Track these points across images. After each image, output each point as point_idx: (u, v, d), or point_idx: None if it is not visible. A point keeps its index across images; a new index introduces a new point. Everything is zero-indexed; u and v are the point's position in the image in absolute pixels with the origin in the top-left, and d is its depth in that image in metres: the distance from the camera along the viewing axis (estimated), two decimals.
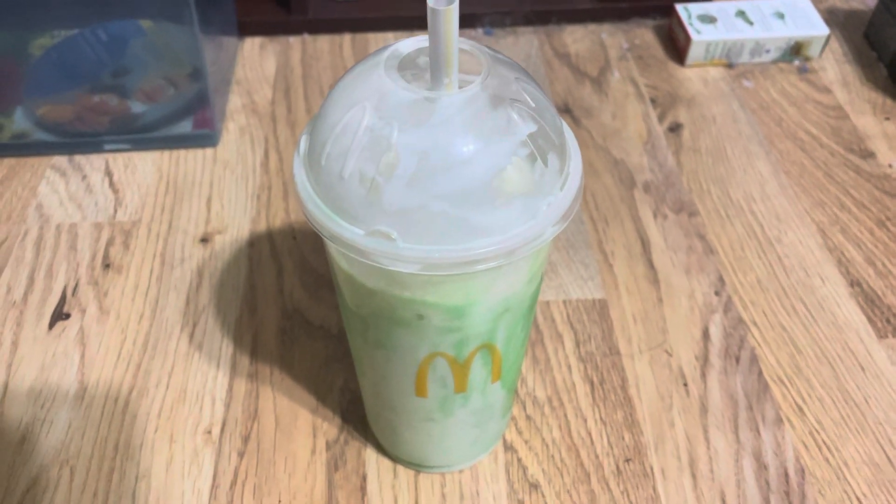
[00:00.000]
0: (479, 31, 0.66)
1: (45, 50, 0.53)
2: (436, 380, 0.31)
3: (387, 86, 0.25)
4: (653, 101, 0.60)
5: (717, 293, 0.46)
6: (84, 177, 0.53)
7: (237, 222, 0.50)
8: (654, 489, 0.37)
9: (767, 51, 0.63)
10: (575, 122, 0.58)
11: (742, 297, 0.46)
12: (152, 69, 0.54)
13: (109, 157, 0.55)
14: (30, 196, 0.52)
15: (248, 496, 0.37)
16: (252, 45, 0.65)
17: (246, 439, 0.39)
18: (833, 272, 0.47)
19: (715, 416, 0.40)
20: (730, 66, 0.63)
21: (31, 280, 0.46)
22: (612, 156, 0.55)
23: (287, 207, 0.51)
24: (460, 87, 0.25)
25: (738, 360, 0.43)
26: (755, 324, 0.45)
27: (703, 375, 0.42)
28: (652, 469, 0.38)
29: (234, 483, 0.38)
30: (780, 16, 0.64)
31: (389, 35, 0.66)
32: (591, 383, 0.42)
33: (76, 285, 0.46)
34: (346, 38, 0.66)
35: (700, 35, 0.61)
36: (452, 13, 0.23)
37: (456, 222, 0.24)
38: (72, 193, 0.52)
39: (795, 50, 0.63)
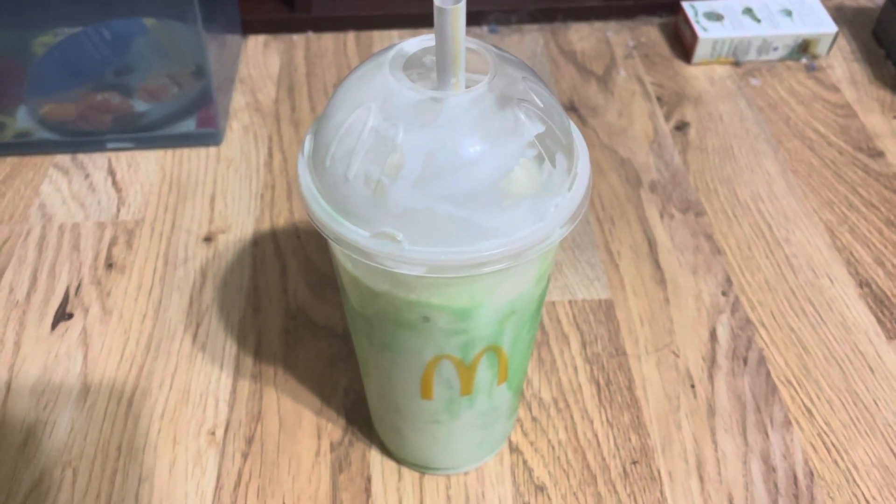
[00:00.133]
0: (485, 28, 0.66)
1: (48, 48, 0.52)
2: (441, 382, 0.30)
3: (392, 86, 0.24)
4: (659, 99, 0.59)
5: (724, 293, 0.46)
6: (87, 176, 0.53)
7: (241, 221, 0.50)
8: (662, 492, 0.37)
9: (775, 48, 0.62)
10: (581, 121, 0.57)
11: (750, 297, 0.45)
12: (156, 67, 0.54)
13: (112, 155, 0.54)
14: (32, 195, 0.51)
15: (252, 498, 0.37)
16: (256, 43, 0.65)
17: (250, 441, 0.39)
18: (842, 272, 0.47)
19: (723, 418, 0.40)
20: (737, 64, 0.63)
21: (33, 280, 0.46)
22: (619, 155, 0.55)
23: (291, 207, 0.51)
24: (467, 87, 0.25)
25: (745, 361, 0.42)
26: (763, 325, 0.44)
27: (711, 377, 0.42)
28: (659, 472, 0.38)
29: (237, 485, 0.37)
30: (788, 13, 0.63)
31: (394, 33, 0.66)
32: (598, 384, 0.41)
33: (79, 285, 0.46)
34: (351, 36, 0.65)
35: (707, 33, 0.61)
36: (459, 12, 0.22)
37: (462, 224, 0.24)
38: (75, 192, 0.52)
39: (803, 48, 0.62)
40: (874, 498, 0.37)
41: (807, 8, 0.64)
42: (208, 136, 0.55)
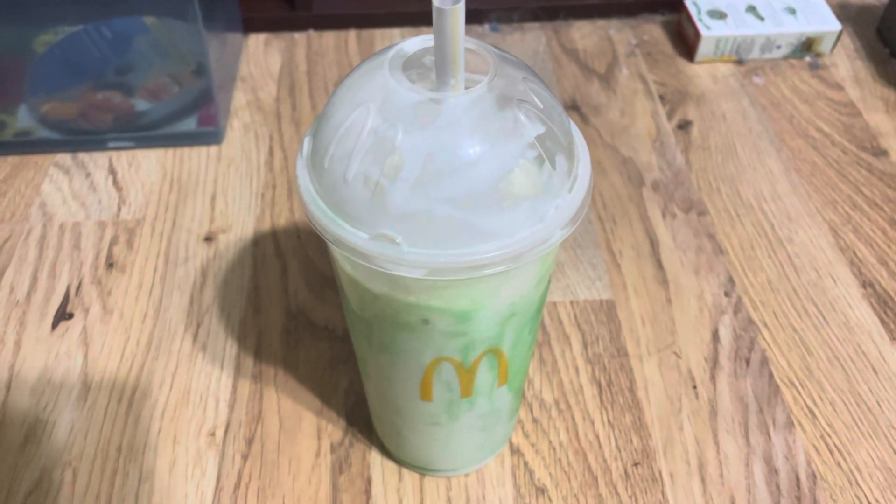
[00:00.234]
0: (486, 27, 0.66)
1: (49, 47, 0.52)
2: (441, 384, 0.30)
3: (391, 86, 0.24)
4: (661, 98, 0.59)
5: (726, 294, 0.45)
6: (88, 175, 0.53)
7: (241, 221, 0.50)
8: (663, 494, 0.37)
9: (778, 47, 0.62)
10: (583, 120, 0.57)
11: (752, 297, 0.45)
12: (156, 66, 0.54)
13: (113, 154, 0.54)
14: (33, 194, 0.51)
15: (252, 499, 0.37)
16: (257, 41, 0.64)
17: (250, 441, 0.39)
18: (845, 272, 0.47)
19: (725, 419, 0.40)
20: (740, 62, 0.62)
21: (34, 279, 0.46)
22: (621, 154, 0.54)
23: (292, 206, 0.50)
24: (467, 88, 0.25)
25: (748, 362, 0.42)
26: (766, 325, 0.44)
27: (713, 378, 0.41)
28: (660, 473, 0.38)
29: (237, 486, 0.37)
30: (792, 11, 0.63)
31: (395, 31, 0.66)
32: (599, 385, 0.41)
33: (79, 285, 0.46)
34: (352, 34, 0.65)
35: (710, 31, 0.61)
36: (458, 13, 0.22)
37: (462, 226, 0.24)
38: (75, 192, 0.51)
39: (807, 46, 0.62)
40: (877, 500, 0.37)
41: (810, 6, 0.63)
42: (209, 134, 0.55)
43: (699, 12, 0.62)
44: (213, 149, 0.55)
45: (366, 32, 0.65)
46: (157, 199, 0.51)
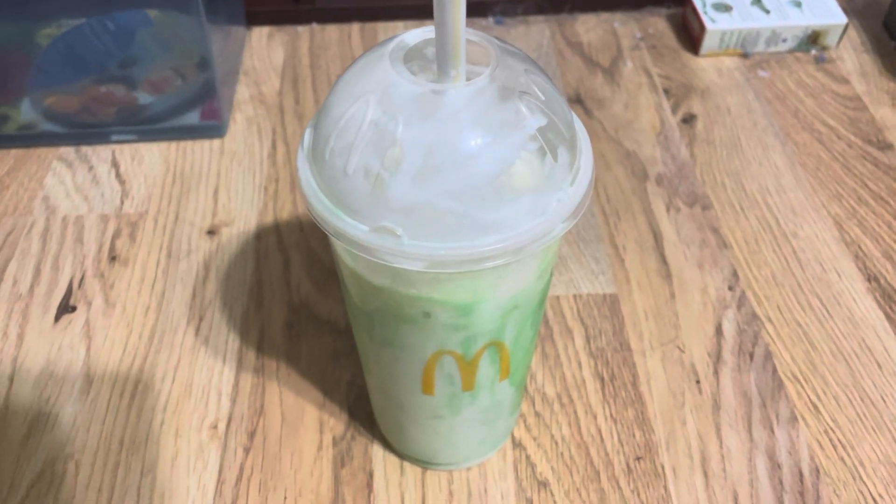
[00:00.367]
0: (490, 20, 0.66)
1: (52, 40, 0.52)
2: (443, 378, 0.30)
3: (392, 78, 0.24)
4: (666, 91, 0.59)
5: (730, 288, 0.45)
6: (91, 168, 0.53)
7: (244, 214, 0.50)
8: (665, 488, 0.37)
9: (784, 40, 0.61)
10: (586, 114, 0.57)
11: (756, 292, 0.45)
12: (159, 59, 0.54)
13: (116, 148, 0.54)
14: (36, 187, 0.51)
15: (254, 492, 0.37)
16: (260, 34, 0.64)
17: (252, 435, 0.39)
18: (850, 267, 0.46)
19: (728, 413, 0.39)
20: (745, 55, 0.62)
21: (37, 272, 0.46)
22: (625, 147, 0.54)
23: (294, 199, 0.50)
24: (468, 80, 0.24)
25: (751, 356, 0.42)
26: (769, 320, 0.44)
27: (716, 372, 0.41)
28: (663, 468, 0.38)
29: (239, 478, 0.37)
30: (797, 4, 0.62)
31: (399, 24, 0.65)
32: (602, 380, 0.41)
33: (82, 278, 0.46)
34: (355, 28, 0.65)
35: (715, 24, 0.60)
36: (459, 4, 0.22)
37: (463, 219, 0.23)
38: (78, 185, 0.52)
39: (812, 39, 0.62)
40: (880, 495, 0.37)
41: None
42: (212, 128, 0.55)
43: (704, 5, 0.62)
44: (216, 142, 0.55)
45: (369, 26, 0.65)
46: (159, 192, 0.51)
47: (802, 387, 0.41)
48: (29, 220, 0.49)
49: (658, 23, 0.65)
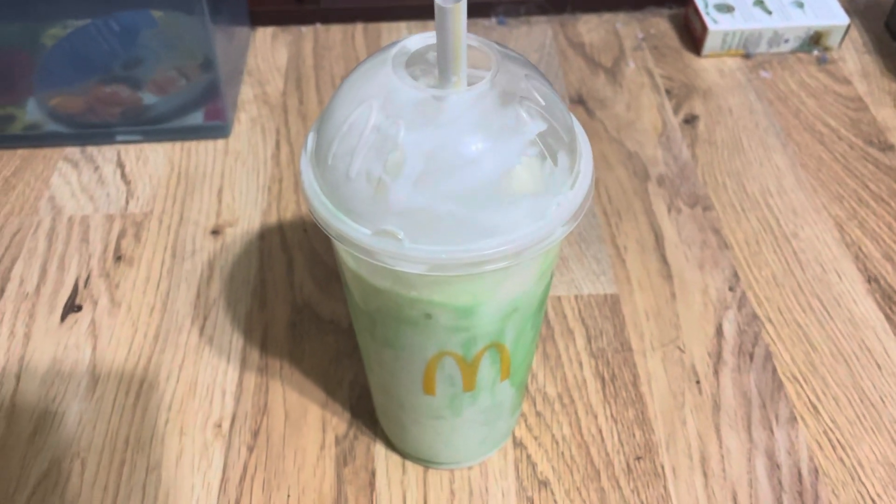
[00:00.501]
0: (493, 20, 0.66)
1: (58, 41, 0.53)
2: (444, 378, 0.30)
3: (394, 84, 0.24)
4: (668, 92, 0.59)
5: (731, 289, 0.45)
6: (96, 168, 0.53)
7: (248, 214, 0.50)
8: (665, 488, 0.37)
9: (786, 41, 0.62)
10: (588, 114, 0.57)
11: (757, 292, 0.45)
12: (164, 60, 0.54)
13: (121, 148, 0.55)
14: (42, 187, 0.52)
15: (258, 490, 0.37)
16: (264, 35, 0.65)
17: (255, 433, 0.39)
18: (850, 268, 0.47)
19: (728, 414, 0.40)
20: (747, 56, 0.62)
21: (43, 272, 0.47)
22: (626, 148, 0.54)
23: (298, 200, 0.51)
24: (470, 83, 0.25)
25: (751, 357, 0.42)
26: (770, 320, 0.44)
27: (716, 373, 0.41)
28: (663, 467, 0.38)
29: (243, 477, 0.38)
30: (800, 5, 0.62)
31: (402, 25, 0.66)
32: (603, 380, 0.41)
33: (88, 277, 0.46)
34: (359, 28, 0.65)
35: (717, 24, 0.61)
36: (460, 11, 0.22)
37: (463, 222, 0.24)
38: (84, 185, 0.52)
39: (814, 40, 0.62)
40: (879, 495, 0.37)
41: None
42: (216, 128, 0.55)
43: (706, 6, 0.62)
44: (220, 142, 0.55)
45: (372, 26, 0.65)
46: (164, 192, 0.51)
47: (802, 387, 0.41)
48: (35, 219, 0.50)
49: (660, 23, 0.65)
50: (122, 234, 0.49)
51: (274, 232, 0.49)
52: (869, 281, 0.46)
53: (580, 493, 0.37)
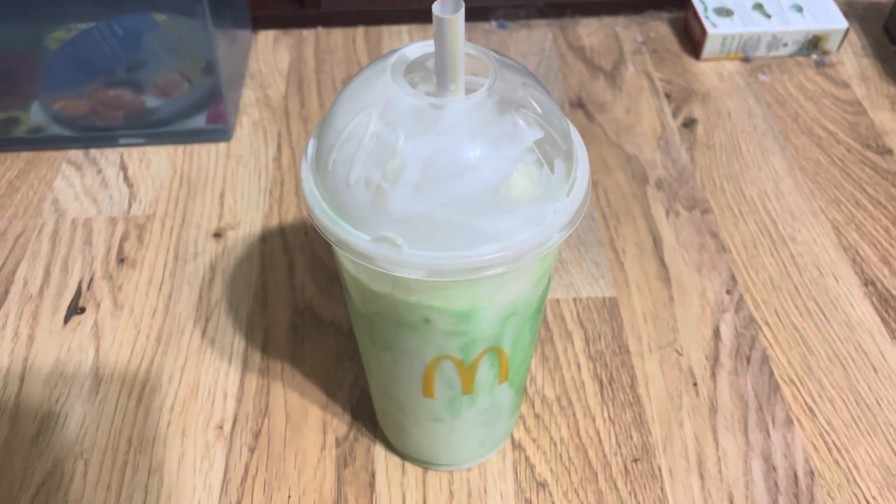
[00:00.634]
0: (493, 24, 0.66)
1: (61, 44, 0.53)
2: (443, 381, 0.31)
3: (393, 92, 0.25)
4: (667, 95, 0.59)
5: (728, 292, 0.46)
6: (99, 171, 0.54)
7: (250, 217, 0.50)
8: (662, 490, 0.37)
9: (785, 44, 0.62)
10: (588, 117, 0.57)
11: (754, 296, 0.46)
12: (166, 63, 0.55)
13: (124, 151, 0.55)
14: (46, 190, 0.52)
15: (259, 491, 0.38)
16: (266, 38, 0.65)
17: (257, 435, 0.40)
18: (847, 271, 0.47)
19: (724, 416, 0.40)
20: (746, 59, 0.62)
21: (46, 274, 0.47)
22: (625, 151, 0.55)
23: (299, 203, 0.51)
24: (468, 91, 0.25)
25: (748, 360, 0.43)
26: (767, 323, 0.44)
27: (714, 375, 0.42)
28: (660, 469, 0.38)
29: (244, 478, 0.38)
30: (798, 9, 0.63)
31: (403, 28, 0.66)
32: (601, 382, 0.42)
33: (91, 279, 0.47)
34: (360, 32, 0.66)
35: (716, 28, 0.61)
36: (458, 21, 0.23)
37: (461, 228, 0.24)
38: (87, 188, 0.52)
39: (813, 43, 0.62)
40: (874, 498, 0.37)
41: (817, 3, 0.63)
42: (218, 131, 0.56)
43: (705, 10, 0.63)
44: (223, 145, 0.55)
45: (373, 30, 0.66)
46: (167, 195, 0.52)
47: (798, 390, 0.41)
48: (39, 222, 0.50)
49: (660, 27, 0.66)
50: (124, 237, 0.49)
51: (275, 235, 0.49)
52: (866, 284, 0.46)
53: (578, 495, 0.37)
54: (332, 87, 0.60)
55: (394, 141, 0.24)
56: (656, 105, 0.58)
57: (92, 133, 0.55)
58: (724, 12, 0.62)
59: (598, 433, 0.40)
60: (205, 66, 0.54)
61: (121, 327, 0.44)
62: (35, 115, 0.55)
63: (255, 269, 0.47)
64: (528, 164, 0.25)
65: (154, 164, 0.54)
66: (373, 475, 0.38)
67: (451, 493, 0.37)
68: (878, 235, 0.49)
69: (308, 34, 0.65)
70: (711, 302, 0.45)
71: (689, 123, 0.57)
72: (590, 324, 0.44)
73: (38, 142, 0.55)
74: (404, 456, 0.39)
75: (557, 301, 0.45)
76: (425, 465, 0.38)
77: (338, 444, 0.39)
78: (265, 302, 0.45)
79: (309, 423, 0.40)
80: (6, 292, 0.46)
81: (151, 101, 0.55)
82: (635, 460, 0.39)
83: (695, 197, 0.51)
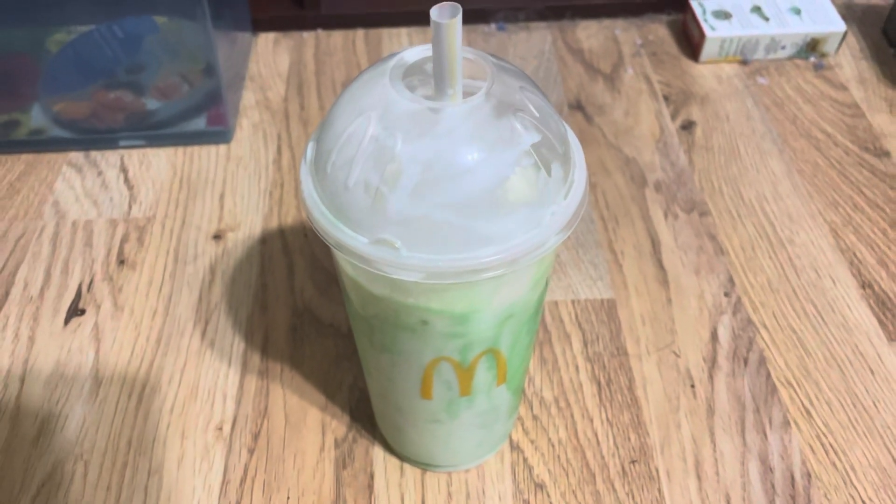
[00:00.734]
0: (492, 26, 0.66)
1: (62, 46, 0.53)
2: (441, 383, 0.31)
3: (391, 96, 0.25)
4: (666, 98, 0.59)
5: (726, 294, 0.46)
6: (100, 173, 0.54)
7: (249, 219, 0.50)
8: (660, 491, 0.38)
9: (783, 47, 0.62)
10: (587, 120, 0.58)
11: (752, 298, 0.46)
12: (166, 66, 0.55)
13: (125, 153, 0.55)
14: (47, 192, 0.52)
15: (258, 492, 0.38)
16: (266, 40, 0.65)
17: (256, 436, 0.40)
18: (845, 273, 0.47)
19: (722, 418, 0.40)
20: (744, 62, 0.63)
21: (47, 276, 0.47)
22: (624, 154, 0.55)
23: (299, 205, 0.51)
24: (466, 94, 0.25)
25: (746, 362, 0.43)
26: (764, 326, 0.44)
27: (711, 377, 0.42)
28: (657, 471, 0.38)
29: (244, 479, 0.38)
30: (797, 11, 0.63)
31: (403, 30, 0.66)
32: (599, 384, 0.42)
33: (91, 281, 0.47)
34: (360, 34, 0.66)
35: (714, 31, 0.61)
36: (455, 26, 0.23)
37: (459, 231, 0.24)
38: (87, 190, 0.53)
39: (811, 46, 0.62)
40: (871, 499, 0.37)
41: (816, 6, 0.63)
42: (218, 133, 0.56)
43: (704, 13, 0.63)
44: (223, 147, 0.56)
45: (373, 32, 0.66)
46: (167, 197, 0.52)
47: (795, 392, 0.41)
48: (39, 224, 0.50)
49: (658, 30, 0.66)
50: (125, 239, 0.49)
51: (275, 236, 0.49)
52: (863, 286, 0.46)
53: (576, 496, 0.37)
54: (331, 89, 0.60)
55: (392, 144, 0.24)
56: (655, 107, 0.59)
57: (92, 135, 0.55)
58: (723, 15, 0.63)
59: (596, 434, 0.40)
60: (205, 68, 0.55)
61: (121, 329, 0.44)
62: (36, 118, 0.55)
63: (255, 271, 0.47)
64: (526, 168, 0.25)
65: (154, 166, 0.54)
66: (371, 476, 0.38)
67: (449, 494, 0.38)
68: (875, 238, 0.49)
69: (308, 36, 0.66)
70: (709, 304, 0.46)
71: (687, 126, 0.57)
72: (588, 325, 0.44)
73: (39, 144, 0.56)
74: (403, 457, 0.39)
75: (556, 303, 0.46)
76: (424, 466, 0.38)
77: (337, 445, 0.39)
78: (265, 304, 0.46)
79: (308, 425, 0.40)
80: (7, 294, 0.46)
81: (152, 104, 0.55)
82: (633, 461, 0.39)
83: (693, 199, 0.52)
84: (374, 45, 0.65)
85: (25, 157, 0.55)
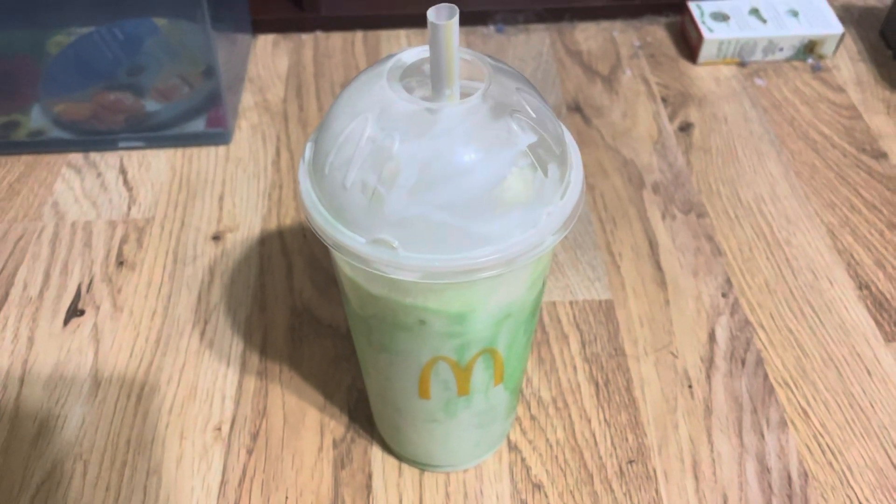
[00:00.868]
0: (491, 28, 0.67)
1: (62, 48, 0.53)
2: (438, 383, 0.31)
3: (389, 97, 0.25)
4: (664, 100, 0.60)
5: (724, 295, 0.46)
6: (99, 174, 0.54)
7: (248, 220, 0.51)
8: (657, 491, 0.38)
9: (781, 49, 0.62)
10: (585, 121, 0.58)
11: (749, 299, 0.46)
12: (166, 67, 0.55)
13: (124, 154, 0.56)
14: (46, 193, 0.53)
15: (256, 492, 0.38)
16: (265, 42, 0.65)
17: (255, 436, 0.40)
18: (842, 275, 0.47)
19: (719, 418, 0.40)
20: (742, 64, 0.63)
21: (46, 277, 0.47)
22: (622, 155, 0.55)
23: (297, 206, 0.51)
24: (463, 94, 0.25)
25: (743, 362, 0.43)
26: (762, 326, 0.45)
27: (709, 378, 0.42)
28: (655, 471, 0.38)
29: (242, 479, 0.38)
30: (794, 13, 0.63)
31: (401, 32, 0.66)
32: (596, 384, 0.42)
33: (90, 282, 0.47)
34: (359, 36, 0.66)
35: (712, 33, 0.61)
36: (452, 27, 0.23)
37: (456, 231, 0.24)
38: (87, 191, 0.53)
39: (809, 48, 0.62)
40: (867, 499, 0.37)
41: (813, 8, 0.64)
42: (217, 135, 0.56)
43: (702, 14, 0.63)
44: (222, 149, 0.56)
45: (372, 34, 0.66)
46: (166, 198, 0.52)
47: (793, 392, 0.42)
48: (39, 225, 0.50)
49: (657, 32, 0.66)
50: (124, 240, 0.49)
51: (274, 237, 0.50)
52: (860, 287, 0.47)
53: (573, 497, 0.38)
54: (330, 90, 0.60)
55: (390, 145, 0.24)
56: (653, 109, 0.59)
57: (92, 136, 0.56)
58: (721, 17, 0.63)
59: (594, 435, 0.40)
60: (205, 70, 0.55)
61: (120, 329, 0.45)
62: (36, 119, 0.56)
63: (254, 272, 0.48)
64: (522, 168, 0.25)
65: (154, 167, 0.54)
66: (370, 476, 0.38)
67: (447, 494, 0.38)
68: (872, 239, 0.49)
69: (307, 38, 0.66)
70: (707, 305, 0.46)
71: (685, 127, 0.57)
72: (586, 326, 0.45)
73: (39, 145, 0.56)
74: (401, 457, 0.39)
75: (554, 303, 0.46)
76: (422, 466, 0.38)
77: (335, 445, 0.40)
78: (263, 304, 0.46)
79: (306, 425, 0.40)
80: (6, 295, 0.46)
81: (151, 105, 0.55)
82: (630, 462, 0.39)
83: (691, 200, 0.52)
84: (373, 46, 0.65)
85: (25, 159, 0.55)
